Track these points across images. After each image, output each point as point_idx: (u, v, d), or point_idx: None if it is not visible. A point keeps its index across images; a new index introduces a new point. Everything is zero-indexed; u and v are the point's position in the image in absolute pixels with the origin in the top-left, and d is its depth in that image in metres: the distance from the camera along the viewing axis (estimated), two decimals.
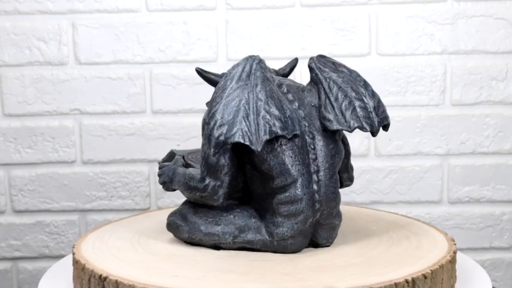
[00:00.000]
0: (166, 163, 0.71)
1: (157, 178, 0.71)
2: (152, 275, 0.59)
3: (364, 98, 0.67)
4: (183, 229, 0.68)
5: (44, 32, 1.04)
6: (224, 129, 0.62)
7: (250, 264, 0.63)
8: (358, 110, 0.66)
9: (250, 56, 0.66)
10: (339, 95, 0.66)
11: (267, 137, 0.62)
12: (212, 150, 0.63)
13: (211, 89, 0.72)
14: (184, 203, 0.70)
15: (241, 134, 0.62)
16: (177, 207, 0.71)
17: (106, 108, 1.05)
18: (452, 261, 0.64)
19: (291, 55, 1.02)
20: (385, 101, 1.04)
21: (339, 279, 0.58)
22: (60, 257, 1.06)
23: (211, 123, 0.63)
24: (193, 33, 1.04)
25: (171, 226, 0.69)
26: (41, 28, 1.03)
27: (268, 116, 0.63)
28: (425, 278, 0.58)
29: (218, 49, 1.04)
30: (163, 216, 0.81)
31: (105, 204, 1.07)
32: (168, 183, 0.69)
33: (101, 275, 0.59)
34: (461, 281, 0.67)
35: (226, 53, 1.03)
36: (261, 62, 0.66)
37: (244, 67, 0.65)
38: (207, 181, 0.65)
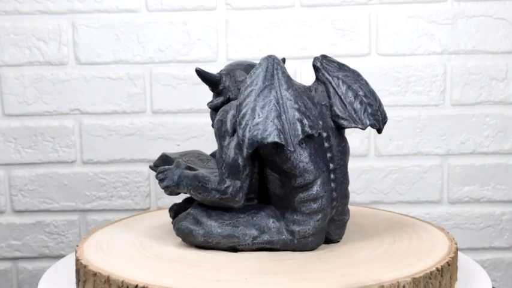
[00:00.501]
0: (167, 167, 0.69)
1: (158, 182, 0.70)
2: (193, 281, 0.57)
3: (370, 97, 0.68)
4: (197, 233, 0.66)
5: (44, 32, 1.04)
6: (258, 129, 0.62)
7: (279, 264, 0.63)
8: (368, 108, 0.67)
9: (270, 56, 0.66)
10: (350, 93, 0.67)
11: (301, 136, 0.63)
12: (245, 150, 0.62)
13: None
14: (193, 206, 0.69)
15: (277, 133, 0.62)
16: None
17: (106, 108, 1.05)
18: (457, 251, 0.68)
19: (291, 55, 1.02)
20: (385, 101, 1.05)
21: (377, 271, 0.59)
22: (60, 257, 1.06)
23: (243, 124, 0.63)
24: (193, 33, 1.04)
25: (183, 231, 0.67)
26: (41, 28, 1.03)
27: (298, 115, 0.63)
28: (449, 265, 0.62)
29: (218, 49, 1.04)
30: (161, 217, 0.81)
31: (105, 204, 1.07)
32: (172, 187, 0.68)
33: (136, 286, 0.56)
34: (462, 281, 0.67)
35: (226, 53, 1.03)
36: (279, 61, 0.66)
37: (267, 67, 0.65)
38: (227, 183, 0.64)
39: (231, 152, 0.64)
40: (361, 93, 0.68)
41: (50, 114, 1.05)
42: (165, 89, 1.05)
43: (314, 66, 0.69)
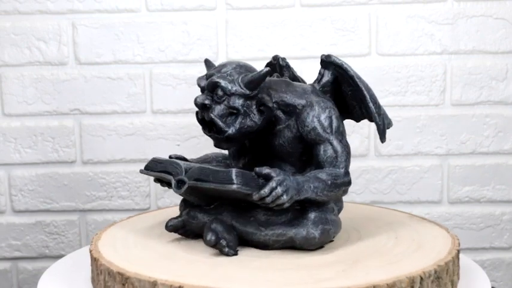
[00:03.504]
0: (280, 177, 0.62)
1: (276, 197, 0.62)
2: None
3: None
4: (332, 231, 0.66)
5: (44, 32, 1.04)
6: (387, 117, 0.72)
7: (345, 252, 0.67)
8: None
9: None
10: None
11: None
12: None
13: None
14: (303, 211, 0.65)
15: (391, 120, 0.73)
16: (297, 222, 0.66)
17: (106, 108, 1.05)
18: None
19: (291, 55, 1.02)
20: (385, 101, 1.05)
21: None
22: (60, 256, 1.05)
23: (381, 113, 0.71)
24: (193, 33, 1.04)
25: (328, 235, 0.65)
26: (41, 28, 1.03)
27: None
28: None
29: (218, 49, 1.04)
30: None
31: (105, 204, 1.07)
32: (293, 196, 0.63)
33: None
34: (461, 281, 0.67)
35: (226, 53, 1.03)
36: None
37: None
38: (349, 174, 0.68)
39: (347, 144, 0.68)
40: None
41: (50, 114, 1.05)
42: (165, 89, 1.05)
43: (339, 64, 0.72)
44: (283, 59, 0.77)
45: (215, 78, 0.67)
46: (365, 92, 0.70)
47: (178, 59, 1.04)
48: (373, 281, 0.56)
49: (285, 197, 0.62)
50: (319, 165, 0.67)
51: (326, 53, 0.72)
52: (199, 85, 0.69)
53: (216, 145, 0.70)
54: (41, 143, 1.06)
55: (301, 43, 1.03)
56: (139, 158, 1.06)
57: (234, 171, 0.63)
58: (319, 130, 0.67)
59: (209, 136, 0.69)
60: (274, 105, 0.69)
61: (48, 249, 1.08)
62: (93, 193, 1.06)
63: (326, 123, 0.67)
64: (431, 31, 1.03)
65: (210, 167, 0.66)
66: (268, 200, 0.62)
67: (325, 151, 0.67)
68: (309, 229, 0.64)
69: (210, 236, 0.65)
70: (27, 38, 1.04)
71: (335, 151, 0.67)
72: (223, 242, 0.65)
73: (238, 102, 0.67)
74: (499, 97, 1.04)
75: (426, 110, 1.04)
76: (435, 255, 0.63)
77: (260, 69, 0.68)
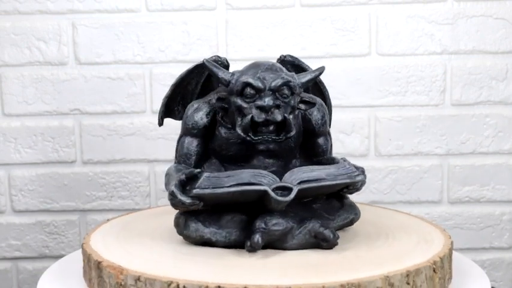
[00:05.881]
0: (358, 170, 0.67)
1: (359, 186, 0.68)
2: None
3: None
4: None
5: (44, 32, 1.04)
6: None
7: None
8: None
9: None
10: None
11: None
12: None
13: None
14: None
15: None
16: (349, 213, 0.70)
17: (106, 108, 1.05)
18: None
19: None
20: (385, 101, 1.05)
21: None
22: (60, 257, 1.05)
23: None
24: (193, 33, 1.04)
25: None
26: (41, 28, 1.04)
27: None
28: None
29: (218, 49, 1.04)
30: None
31: (105, 204, 1.07)
32: None
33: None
34: (460, 280, 0.67)
35: (226, 53, 1.03)
36: None
37: None
38: None
39: None
40: None
41: (50, 114, 1.05)
42: (165, 89, 1.04)
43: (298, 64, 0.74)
44: (225, 60, 0.73)
45: (287, 77, 0.65)
46: (326, 88, 0.77)
47: (178, 59, 1.04)
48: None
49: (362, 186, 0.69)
50: (322, 154, 0.72)
51: (285, 54, 0.74)
52: (257, 87, 0.64)
53: (266, 148, 0.67)
54: (41, 143, 1.06)
55: (301, 43, 1.03)
56: (139, 158, 1.06)
57: (347, 163, 0.66)
58: (327, 123, 0.73)
59: (257, 140, 0.65)
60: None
61: (48, 249, 1.08)
62: (93, 193, 1.06)
63: (326, 122, 0.73)
64: (431, 31, 1.03)
65: (307, 167, 0.65)
66: (358, 186, 0.68)
67: (327, 141, 0.73)
68: (359, 209, 0.71)
69: (329, 233, 0.64)
70: (27, 38, 1.04)
71: (329, 140, 0.74)
72: (338, 236, 0.65)
73: (296, 101, 0.67)
74: (499, 97, 1.04)
75: (426, 110, 1.04)
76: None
77: (315, 69, 0.69)
